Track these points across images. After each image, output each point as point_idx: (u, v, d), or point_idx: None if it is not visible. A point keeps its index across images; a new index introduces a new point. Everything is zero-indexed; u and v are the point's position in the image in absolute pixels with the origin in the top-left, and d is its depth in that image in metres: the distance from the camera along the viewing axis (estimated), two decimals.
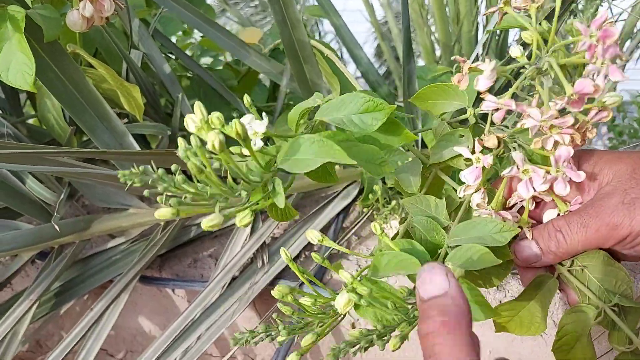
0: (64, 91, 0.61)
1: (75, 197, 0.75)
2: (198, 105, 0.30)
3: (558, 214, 0.42)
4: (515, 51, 0.40)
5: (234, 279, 0.72)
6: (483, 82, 0.37)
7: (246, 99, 0.35)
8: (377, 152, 0.37)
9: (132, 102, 0.66)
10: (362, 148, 0.38)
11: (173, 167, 0.29)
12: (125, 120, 0.71)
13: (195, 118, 0.31)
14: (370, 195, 0.84)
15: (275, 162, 0.34)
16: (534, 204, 0.43)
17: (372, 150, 0.38)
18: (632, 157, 0.39)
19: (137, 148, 0.68)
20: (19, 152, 0.46)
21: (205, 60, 0.96)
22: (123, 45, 0.72)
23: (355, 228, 0.82)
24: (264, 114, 0.34)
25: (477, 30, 1.56)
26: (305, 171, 0.31)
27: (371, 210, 0.84)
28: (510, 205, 0.44)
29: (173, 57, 0.83)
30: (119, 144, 0.67)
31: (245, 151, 0.32)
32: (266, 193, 0.33)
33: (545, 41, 0.39)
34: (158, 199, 0.28)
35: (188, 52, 0.92)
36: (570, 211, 0.41)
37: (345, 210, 0.85)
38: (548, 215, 0.42)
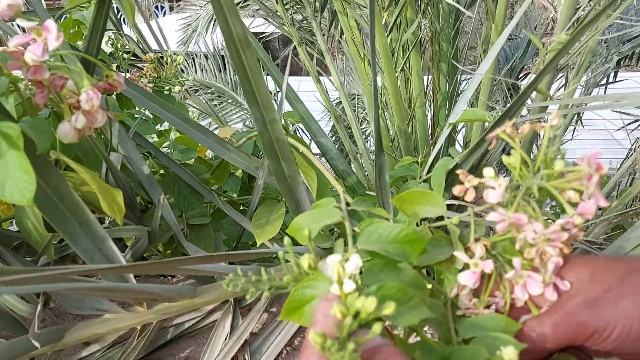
0: (45, 200, 0.60)
1: (48, 304, 0.71)
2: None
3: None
4: (488, 172, 0.44)
5: None
6: (494, 196, 0.41)
7: (287, 240, 0.35)
8: (417, 276, 0.40)
9: (114, 206, 0.65)
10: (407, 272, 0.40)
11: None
12: (105, 224, 0.70)
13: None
14: None
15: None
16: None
17: (413, 274, 0.40)
18: (591, 261, 0.44)
19: (117, 252, 0.67)
20: (17, 279, 0.44)
21: (177, 154, 0.97)
22: (102, 147, 0.72)
23: None
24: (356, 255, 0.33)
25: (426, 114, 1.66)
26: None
27: None
28: (488, 305, 0.46)
29: (149, 155, 0.84)
30: (98, 248, 0.66)
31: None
32: None
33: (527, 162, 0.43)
34: (247, 296, 0.32)
35: (164, 149, 0.92)
36: (541, 314, 0.44)
37: None
38: (523, 317, 0.46)
